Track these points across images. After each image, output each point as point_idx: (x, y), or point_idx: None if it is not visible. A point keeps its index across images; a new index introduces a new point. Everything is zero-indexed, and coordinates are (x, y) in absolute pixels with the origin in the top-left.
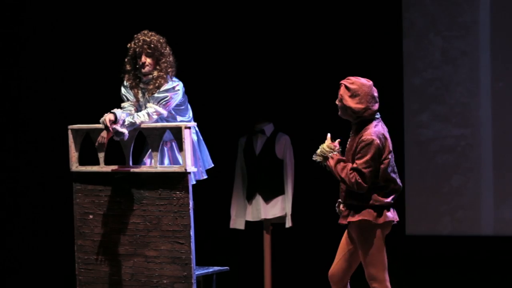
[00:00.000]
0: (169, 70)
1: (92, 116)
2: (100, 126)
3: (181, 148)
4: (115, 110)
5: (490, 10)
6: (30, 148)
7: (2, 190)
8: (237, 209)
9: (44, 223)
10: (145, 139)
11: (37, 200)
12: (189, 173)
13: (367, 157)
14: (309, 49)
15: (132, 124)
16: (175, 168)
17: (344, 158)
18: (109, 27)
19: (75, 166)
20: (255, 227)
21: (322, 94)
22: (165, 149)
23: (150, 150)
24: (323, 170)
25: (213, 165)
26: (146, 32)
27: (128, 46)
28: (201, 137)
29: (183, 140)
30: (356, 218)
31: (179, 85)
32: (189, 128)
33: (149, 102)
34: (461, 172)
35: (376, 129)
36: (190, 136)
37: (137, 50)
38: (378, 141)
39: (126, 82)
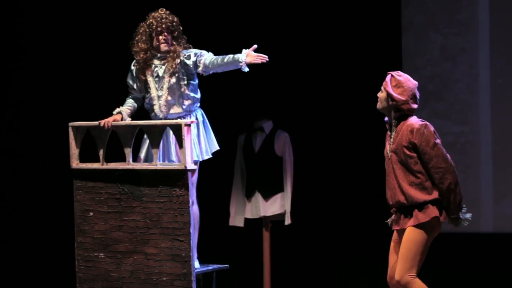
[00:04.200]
0: (185, 45)
1: (93, 113)
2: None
3: (181, 145)
4: (121, 110)
5: (489, 7)
6: (30, 145)
7: (2, 187)
8: (236, 207)
9: (44, 220)
10: (143, 135)
11: (37, 197)
12: (189, 170)
13: (433, 140)
14: (308, 46)
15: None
16: (175, 166)
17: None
18: (109, 25)
19: (75, 163)
20: (255, 225)
21: (321, 92)
22: (172, 145)
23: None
24: (322, 168)
25: (218, 148)
26: (163, 10)
27: (147, 22)
28: (207, 121)
29: (183, 137)
30: (424, 218)
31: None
32: (189, 125)
33: (179, 73)
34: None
35: (420, 119)
36: (190, 133)
37: (159, 27)
38: (430, 124)
39: (134, 66)
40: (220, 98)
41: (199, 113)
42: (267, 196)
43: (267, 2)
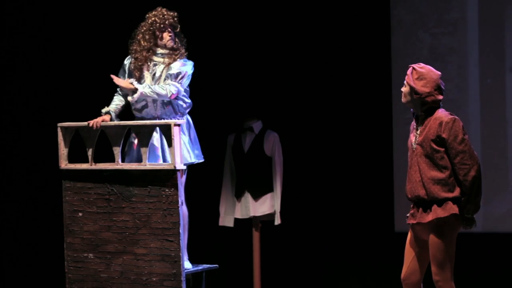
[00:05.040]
0: (184, 45)
1: (82, 114)
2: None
3: (170, 145)
4: (109, 109)
5: (478, 6)
6: (19, 145)
7: None
8: (226, 207)
9: (33, 220)
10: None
11: (26, 198)
12: (178, 170)
13: (461, 135)
14: (297, 46)
15: (152, 91)
16: (164, 166)
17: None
18: (98, 25)
19: (64, 164)
20: (244, 225)
21: (310, 92)
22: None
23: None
24: (311, 168)
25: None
26: (164, 9)
27: (148, 21)
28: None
29: (173, 137)
30: (443, 214)
31: (192, 64)
32: (179, 125)
33: (165, 77)
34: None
35: (448, 112)
36: (180, 133)
37: (162, 24)
38: (459, 118)
39: (132, 62)
40: (210, 98)
41: (189, 118)
42: (256, 196)
43: (258, 4)
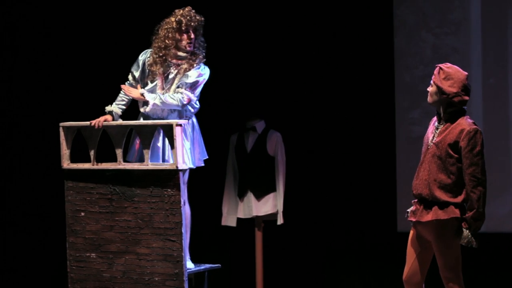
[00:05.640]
0: (203, 51)
1: (84, 113)
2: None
3: (172, 146)
4: (112, 109)
5: (481, 6)
6: (21, 145)
7: None
8: (228, 206)
9: (35, 220)
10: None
11: (28, 198)
12: (180, 170)
13: (479, 148)
14: (300, 46)
15: (162, 102)
16: (166, 166)
17: (466, 216)
18: (100, 25)
19: (66, 164)
20: (247, 224)
21: (313, 91)
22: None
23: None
24: (314, 167)
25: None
26: (191, 9)
27: (173, 19)
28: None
29: (174, 137)
30: (443, 216)
31: (208, 72)
32: (181, 125)
33: (179, 83)
34: None
35: (472, 121)
36: (182, 133)
37: (187, 25)
38: (481, 131)
39: (147, 56)
40: (213, 98)
41: (195, 120)
42: (259, 196)
43: (260, 3)
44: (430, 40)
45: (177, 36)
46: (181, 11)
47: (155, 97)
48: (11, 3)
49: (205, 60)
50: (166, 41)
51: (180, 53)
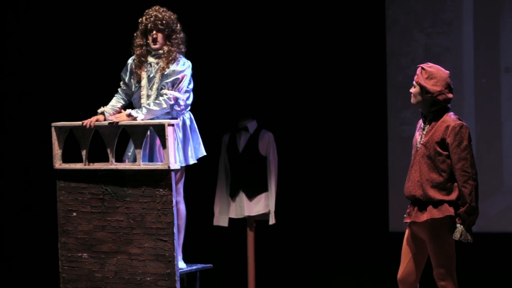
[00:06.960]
0: (180, 46)
1: (76, 113)
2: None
3: (164, 146)
4: (104, 110)
5: (472, 6)
6: (13, 145)
7: None
8: (220, 206)
9: (27, 220)
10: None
11: (20, 198)
12: (172, 170)
13: (465, 142)
14: (292, 46)
15: (149, 112)
16: (158, 166)
17: (460, 211)
18: (93, 25)
19: (58, 164)
20: (239, 224)
21: (305, 91)
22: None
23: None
24: (306, 167)
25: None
26: (157, 8)
27: (139, 21)
28: (195, 125)
29: (166, 137)
30: (438, 215)
31: (189, 66)
32: (173, 125)
33: (161, 80)
34: None
35: (457, 116)
36: (174, 133)
37: (149, 25)
38: (467, 125)
39: (132, 60)
40: (205, 97)
41: (187, 116)
42: (251, 196)
43: (252, 4)
44: (422, 40)
45: (145, 38)
46: (147, 10)
47: (141, 111)
48: (2, 4)
49: (184, 52)
50: (138, 40)
51: (154, 53)
